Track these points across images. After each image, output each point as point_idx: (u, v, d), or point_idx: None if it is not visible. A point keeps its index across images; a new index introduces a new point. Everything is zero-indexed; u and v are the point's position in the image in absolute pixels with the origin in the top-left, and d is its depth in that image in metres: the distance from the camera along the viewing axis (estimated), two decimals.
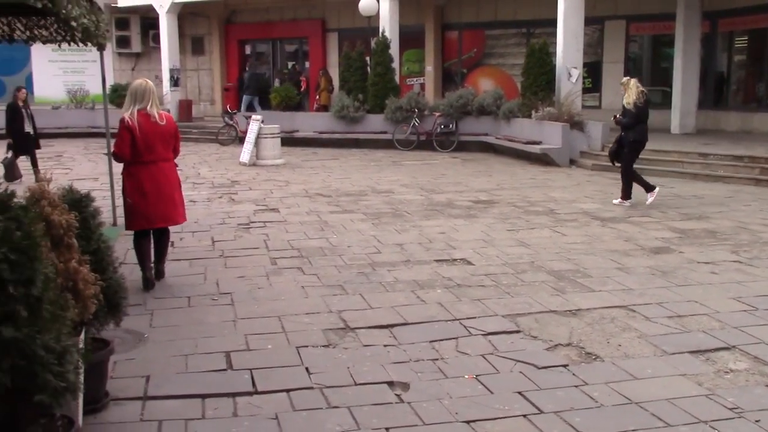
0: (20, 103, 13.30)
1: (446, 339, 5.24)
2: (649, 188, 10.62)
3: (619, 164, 10.89)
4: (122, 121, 6.32)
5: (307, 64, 25.45)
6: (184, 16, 25.36)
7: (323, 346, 5.11)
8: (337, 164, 16.11)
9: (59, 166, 15.77)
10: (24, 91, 13.85)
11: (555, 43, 16.89)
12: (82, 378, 3.46)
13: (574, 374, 4.64)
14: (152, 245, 6.74)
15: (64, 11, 5.50)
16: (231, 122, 20.36)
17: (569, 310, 5.89)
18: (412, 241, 8.35)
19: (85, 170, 15.01)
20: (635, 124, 10.45)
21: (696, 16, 17.77)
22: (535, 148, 15.75)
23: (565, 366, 4.78)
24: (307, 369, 4.70)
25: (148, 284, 6.49)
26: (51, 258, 3.42)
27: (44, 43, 8.50)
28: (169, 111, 17.66)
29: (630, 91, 10.43)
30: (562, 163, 15.37)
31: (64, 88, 25.18)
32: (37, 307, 2.86)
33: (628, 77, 10.92)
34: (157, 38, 25.17)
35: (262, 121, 16.30)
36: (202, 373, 4.65)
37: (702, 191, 12.04)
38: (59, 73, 25.89)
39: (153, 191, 6.45)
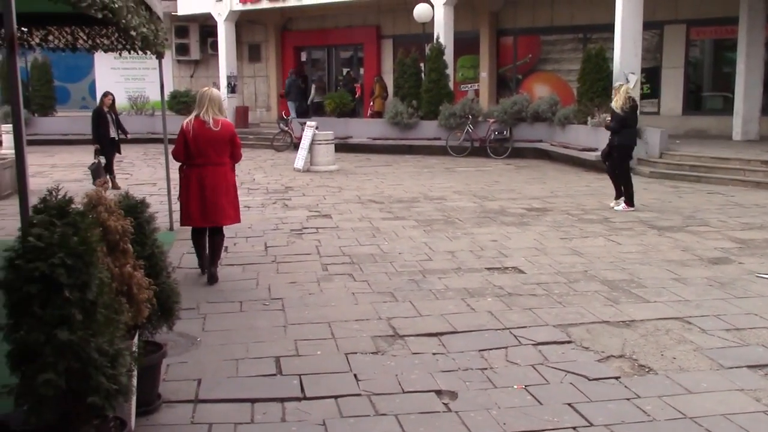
0: (105, 109, 13.46)
1: (496, 348, 5.20)
2: (630, 201, 10.78)
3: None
4: (181, 125, 6.83)
5: (361, 71, 25.59)
6: (241, 24, 25.78)
7: (372, 353, 5.12)
8: (390, 170, 16.14)
9: (119, 171, 16.15)
10: (110, 96, 13.96)
11: (612, 49, 16.61)
12: (134, 381, 3.53)
13: (626, 387, 4.55)
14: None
15: (124, 21, 5.63)
16: (286, 128, 20.59)
17: (622, 321, 5.78)
18: (464, 249, 8.31)
19: (144, 175, 15.36)
20: (621, 129, 10.64)
21: (760, 19, 17.27)
22: (590, 155, 15.51)
23: (617, 378, 4.69)
24: (355, 376, 4.71)
25: (209, 279, 6.95)
26: (107, 263, 3.51)
27: (105, 51, 8.77)
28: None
29: (619, 96, 10.70)
30: None
31: (126, 94, 25.83)
32: (92, 310, 2.93)
33: (621, 83, 11.37)
34: (215, 46, 25.65)
35: (317, 128, 16.44)
36: (252, 377, 4.70)
37: (764, 200, 11.68)
38: (121, 81, 26.59)
39: (198, 192, 6.81)
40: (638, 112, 10.80)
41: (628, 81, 16.00)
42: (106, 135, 13.38)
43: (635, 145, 10.92)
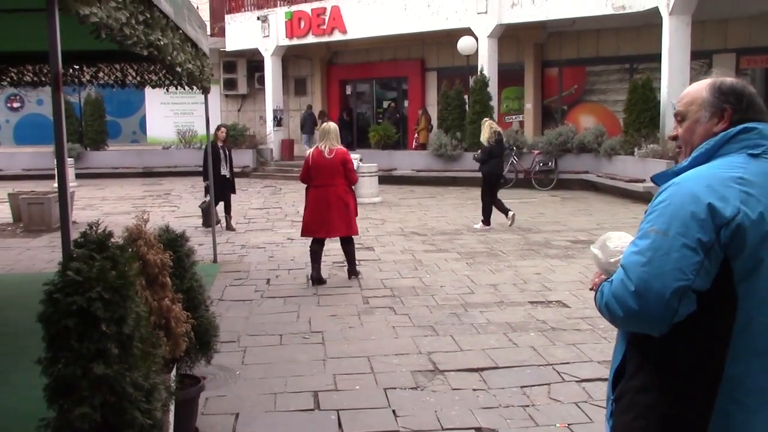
0: (219, 143, 12.26)
1: (538, 385, 5.09)
2: (487, 221, 12.07)
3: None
4: (307, 154, 8.40)
5: (406, 103, 25.74)
6: (288, 59, 26.22)
7: (411, 388, 5.06)
8: (433, 202, 16.11)
9: (167, 204, 16.47)
10: (224, 130, 12.77)
11: (659, 79, 16.43)
12: (171, 415, 3.54)
13: None
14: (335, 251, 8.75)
15: (169, 58, 5.75)
16: None
17: None
18: (506, 282, 8.20)
19: (191, 208, 15.58)
20: (488, 160, 11.96)
21: None
22: (638, 186, 15.27)
23: None
24: (394, 411, 4.65)
25: (312, 281, 8.26)
26: (145, 296, 3.54)
27: (153, 87, 8.96)
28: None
29: (484, 130, 12.05)
30: None
31: (175, 128, 26.41)
32: (128, 344, 2.94)
33: (486, 118, 12.88)
34: (262, 80, 26.10)
35: (361, 160, 16.53)
36: (290, 412, 4.67)
37: None
38: (170, 115, 27.21)
39: (315, 208, 8.18)
40: (504, 143, 12.37)
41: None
42: (217, 172, 11.86)
43: (502, 173, 12.41)
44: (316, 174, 8.16)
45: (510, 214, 12.09)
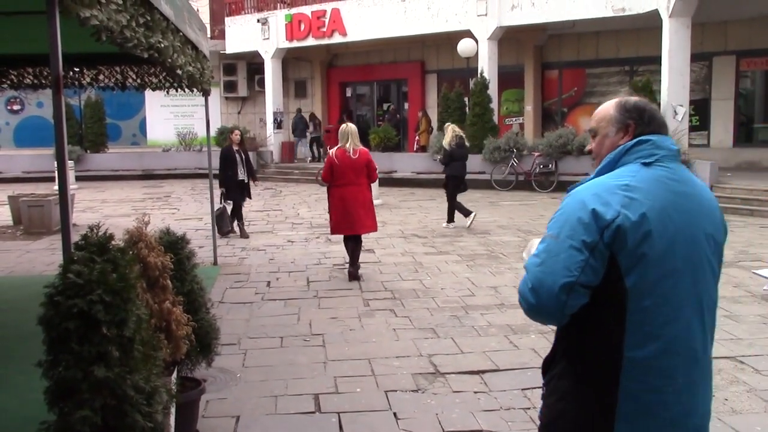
0: (235, 147, 11.77)
1: (539, 387, 5.04)
2: (451, 219, 12.56)
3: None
4: (328, 158, 8.57)
5: (406, 106, 25.75)
6: (288, 61, 26.23)
7: (412, 390, 5.05)
8: (434, 205, 16.09)
9: (167, 206, 16.47)
10: (237, 133, 12.18)
11: (659, 81, 16.45)
12: (172, 418, 3.53)
13: None
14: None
15: (170, 60, 5.75)
16: None
17: None
18: (507, 284, 8.19)
19: (191, 210, 15.59)
20: (449, 162, 12.36)
21: None
22: None
23: None
24: (395, 414, 4.64)
25: (349, 277, 8.52)
26: (146, 299, 3.53)
27: (153, 89, 8.97)
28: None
29: (446, 134, 12.47)
30: None
31: (175, 131, 26.43)
32: (129, 347, 2.93)
33: (449, 123, 13.09)
34: (262, 82, 26.13)
35: None
36: (291, 414, 4.66)
37: None
38: (170, 117, 27.25)
39: (341, 206, 8.43)
40: (466, 147, 12.66)
41: (676, 113, 15.82)
42: (234, 177, 11.63)
43: (463, 175, 12.51)
44: (342, 174, 8.37)
45: (471, 215, 12.47)
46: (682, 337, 2.15)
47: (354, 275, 8.50)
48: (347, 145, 8.42)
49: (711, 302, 2.25)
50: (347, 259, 8.81)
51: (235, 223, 11.91)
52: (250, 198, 12.16)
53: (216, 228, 11.18)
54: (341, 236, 8.81)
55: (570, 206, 2.20)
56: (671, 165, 2.23)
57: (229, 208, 11.74)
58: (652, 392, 2.11)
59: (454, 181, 12.41)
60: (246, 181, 11.84)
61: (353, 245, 8.64)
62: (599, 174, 2.28)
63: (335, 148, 8.55)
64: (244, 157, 11.86)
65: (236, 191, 11.69)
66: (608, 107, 2.38)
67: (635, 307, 2.10)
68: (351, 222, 8.46)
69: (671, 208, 2.15)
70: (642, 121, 2.29)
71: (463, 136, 12.67)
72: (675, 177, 2.21)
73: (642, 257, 2.09)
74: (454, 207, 12.54)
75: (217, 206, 11.20)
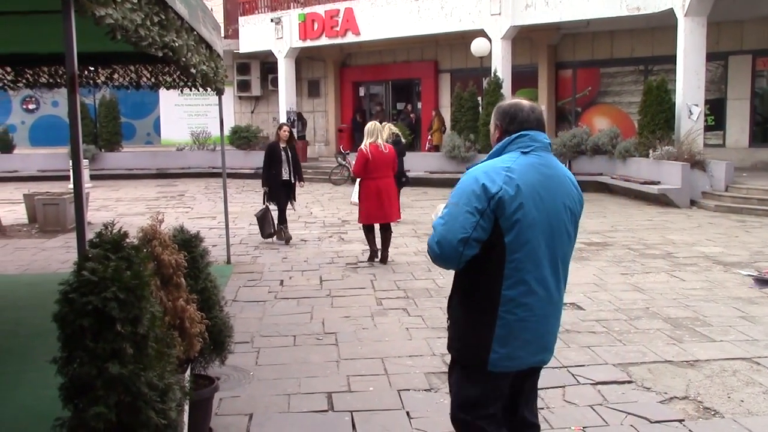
0: (282, 144, 11.01)
1: (552, 387, 5.05)
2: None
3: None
4: (360, 150, 9.27)
5: (419, 105, 25.73)
6: (301, 61, 26.27)
7: (425, 390, 5.04)
8: None
9: (180, 205, 16.53)
10: (286, 129, 11.26)
11: (674, 80, 16.34)
12: (185, 415, 3.54)
13: (690, 430, 4.36)
14: (378, 237, 9.57)
15: (184, 59, 5.77)
16: (344, 162, 20.79)
17: (686, 361, 5.57)
18: None
19: (204, 209, 15.63)
20: None
21: None
22: (652, 189, 15.19)
23: (680, 421, 4.50)
24: (407, 413, 4.63)
25: (372, 256, 9.48)
26: (160, 296, 3.54)
27: (167, 89, 9.00)
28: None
29: (383, 133, 13.20)
30: (681, 204, 14.74)
31: (188, 130, 26.53)
32: (143, 344, 2.94)
33: (386, 122, 13.56)
34: (275, 82, 26.18)
35: None
36: (304, 413, 4.67)
37: None
38: (184, 116, 27.35)
39: (377, 197, 9.20)
40: (402, 144, 13.40)
41: (691, 113, 15.72)
42: (278, 176, 10.89)
43: (401, 170, 12.63)
44: (375, 167, 9.13)
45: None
46: (541, 282, 2.94)
47: (386, 258, 9.37)
48: (378, 141, 9.20)
49: (564, 258, 3.04)
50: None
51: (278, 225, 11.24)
52: (294, 200, 11.33)
53: (260, 231, 10.94)
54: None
55: (466, 182, 2.94)
56: (542, 154, 3.00)
57: (284, 211, 11.14)
58: (518, 321, 2.93)
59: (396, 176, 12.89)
60: (291, 182, 11.06)
61: (385, 233, 9.48)
62: (490, 158, 3.03)
63: (367, 143, 9.20)
64: (290, 155, 11.03)
65: (279, 192, 10.93)
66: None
67: (510, 258, 2.88)
68: (385, 212, 9.29)
69: (539, 186, 2.92)
70: (504, 122, 3.07)
71: (399, 134, 13.52)
72: (544, 163, 2.98)
73: (516, 222, 2.86)
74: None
75: (259, 209, 11.01)
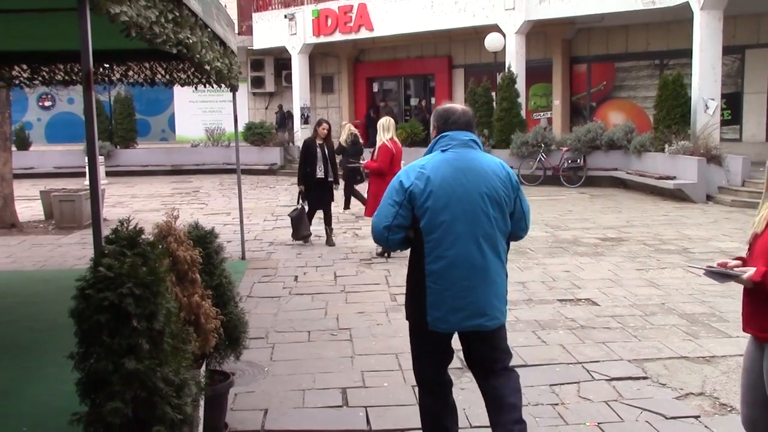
0: (319, 141, 10.57)
1: (567, 383, 5.04)
2: (347, 205, 14.14)
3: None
4: (384, 146, 9.38)
5: (433, 100, 25.68)
6: (315, 57, 26.27)
7: None
8: None
9: (195, 201, 16.60)
10: (326, 126, 10.82)
11: (690, 74, 16.21)
12: (201, 410, 3.56)
13: (706, 426, 4.34)
14: None
15: (198, 56, 5.79)
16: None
17: (702, 357, 5.54)
18: (535, 280, 8.15)
19: (219, 205, 15.69)
20: (344, 156, 13.83)
21: None
22: (668, 184, 15.11)
23: (696, 417, 4.48)
24: None
25: (383, 254, 9.47)
26: (175, 292, 3.56)
27: (182, 85, 9.03)
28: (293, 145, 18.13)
29: (343, 133, 14.29)
30: (697, 199, 14.65)
31: (203, 126, 26.61)
32: (159, 340, 2.96)
33: (346, 122, 15.39)
34: (289, 78, 26.20)
35: None
36: (318, 408, 4.69)
37: None
38: (198, 113, 27.43)
39: None
40: (359, 143, 14.40)
41: (707, 107, 15.59)
42: (312, 174, 10.45)
43: (358, 168, 13.74)
44: (397, 162, 9.29)
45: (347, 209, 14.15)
46: (461, 258, 3.49)
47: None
48: (395, 136, 9.50)
49: (486, 235, 3.54)
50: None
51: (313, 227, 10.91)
52: (332, 200, 10.73)
53: (293, 233, 10.54)
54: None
55: (393, 181, 3.65)
56: (459, 150, 3.60)
57: (313, 212, 10.77)
58: (444, 290, 3.51)
59: (350, 173, 13.89)
60: (329, 180, 10.57)
61: None
62: (426, 154, 3.69)
63: (386, 138, 9.39)
64: (328, 153, 10.61)
65: (314, 191, 10.49)
66: None
67: (427, 239, 3.52)
68: None
69: (450, 178, 3.51)
70: (439, 123, 3.73)
71: (358, 134, 14.60)
72: (459, 158, 3.57)
73: (427, 209, 3.50)
74: (350, 195, 14.11)
75: (294, 208, 10.76)
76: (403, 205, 3.50)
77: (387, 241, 3.60)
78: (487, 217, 3.51)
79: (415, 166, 3.57)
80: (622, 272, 8.47)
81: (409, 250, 3.68)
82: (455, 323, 3.56)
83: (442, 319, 3.54)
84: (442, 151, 3.59)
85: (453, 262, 3.47)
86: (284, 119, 26.12)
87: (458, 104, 3.78)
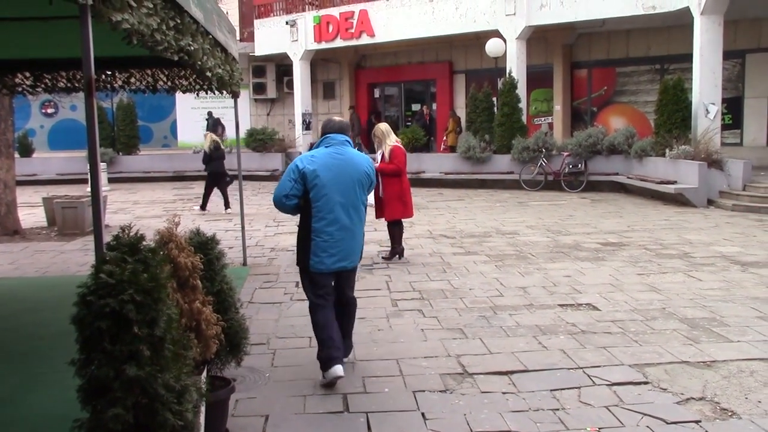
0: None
1: (568, 388, 5.05)
2: (203, 206, 15.79)
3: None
4: (396, 147, 9.44)
5: (434, 106, 25.73)
6: (316, 63, 26.34)
7: (440, 391, 5.04)
8: (462, 205, 16.07)
9: (197, 207, 16.58)
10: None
11: (691, 79, 16.24)
12: (202, 417, 3.57)
13: (707, 431, 4.34)
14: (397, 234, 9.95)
15: (199, 63, 5.82)
16: None
17: (703, 362, 5.54)
18: (536, 285, 8.16)
19: (221, 211, 15.68)
20: (209, 162, 15.60)
21: None
22: (669, 188, 15.11)
23: (697, 422, 4.48)
24: (423, 414, 4.64)
25: (395, 254, 9.77)
26: (176, 298, 3.58)
27: (184, 92, 9.05)
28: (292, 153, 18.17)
29: (206, 141, 15.89)
30: (698, 203, 14.65)
31: (205, 133, 26.62)
32: (160, 346, 2.97)
33: (207, 132, 16.80)
34: (291, 84, 26.27)
35: None
36: (320, 414, 4.69)
37: None
38: (200, 119, 27.50)
39: (405, 194, 9.57)
40: (222, 150, 15.82)
41: (708, 112, 15.61)
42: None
43: (223, 171, 15.75)
44: (407, 166, 9.66)
45: (228, 209, 15.45)
46: (336, 219, 5.07)
47: (402, 253, 9.80)
48: (397, 141, 9.58)
49: (353, 205, 5.15)
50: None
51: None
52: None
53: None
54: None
55: (291, 164, 5.11)
56: (337, 147, 5.19)
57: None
58: (323, 242, 5.06)
59: (214, 176, 15.59)
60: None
61: (401, 229, 9.87)
62: (314, 149, 5.24)
63: (393, 142, 9.44)
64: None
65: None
66: None
67: (314, 205, 5.04)
68: (410, 208, 9.68)
69: (331, 164, 5.08)
70: (324, 128, 5.34)
71: (220, 141, 16.19)
72: (337, 153, 5.16)
73: (315, 185, 5.01)
74: (208, 196, 15.72)
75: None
76: (297, 181, 5.01)
77: (284, 205, 5.05)
78: (354, 192, 5.13)
79: (307, 155, 5.15)
80: (623, 277, 8.48)
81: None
82: (329, 265, 5.10)
83: (320, 263, 5.08)
84: (326, 147, 5.19)
85: (330, 221, 5.04)
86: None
87: (336, 117, 5.57)
